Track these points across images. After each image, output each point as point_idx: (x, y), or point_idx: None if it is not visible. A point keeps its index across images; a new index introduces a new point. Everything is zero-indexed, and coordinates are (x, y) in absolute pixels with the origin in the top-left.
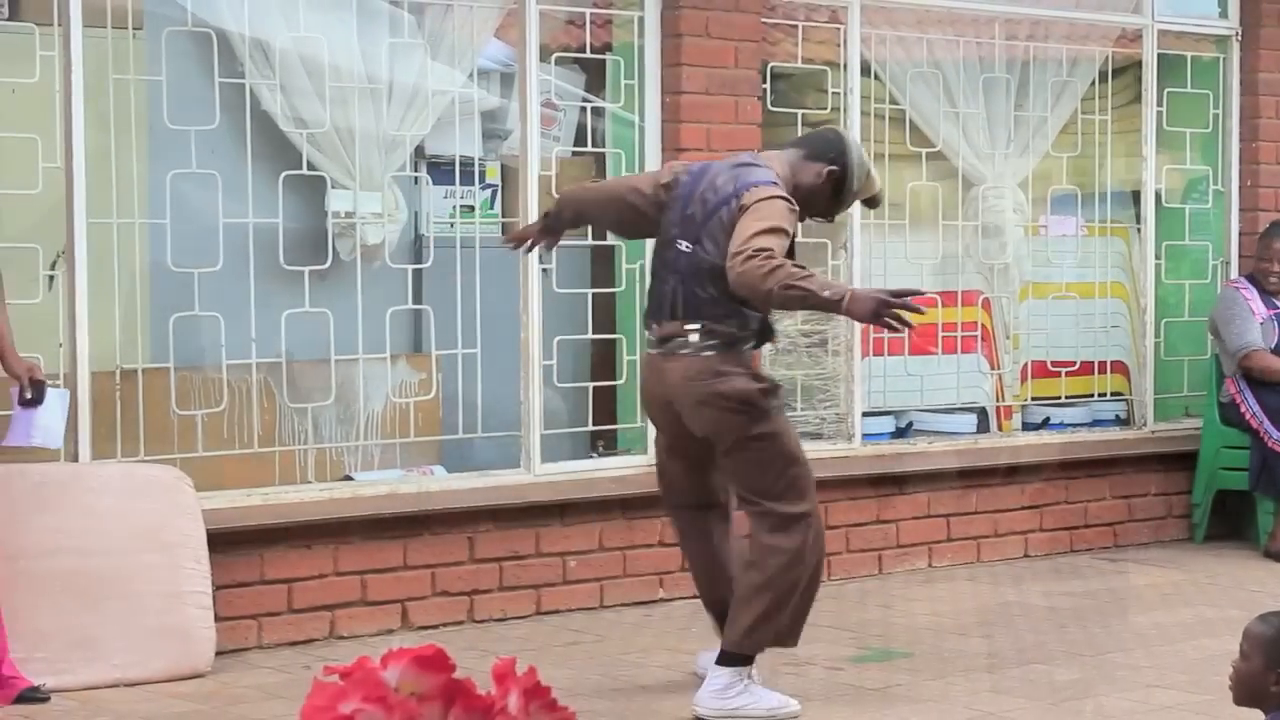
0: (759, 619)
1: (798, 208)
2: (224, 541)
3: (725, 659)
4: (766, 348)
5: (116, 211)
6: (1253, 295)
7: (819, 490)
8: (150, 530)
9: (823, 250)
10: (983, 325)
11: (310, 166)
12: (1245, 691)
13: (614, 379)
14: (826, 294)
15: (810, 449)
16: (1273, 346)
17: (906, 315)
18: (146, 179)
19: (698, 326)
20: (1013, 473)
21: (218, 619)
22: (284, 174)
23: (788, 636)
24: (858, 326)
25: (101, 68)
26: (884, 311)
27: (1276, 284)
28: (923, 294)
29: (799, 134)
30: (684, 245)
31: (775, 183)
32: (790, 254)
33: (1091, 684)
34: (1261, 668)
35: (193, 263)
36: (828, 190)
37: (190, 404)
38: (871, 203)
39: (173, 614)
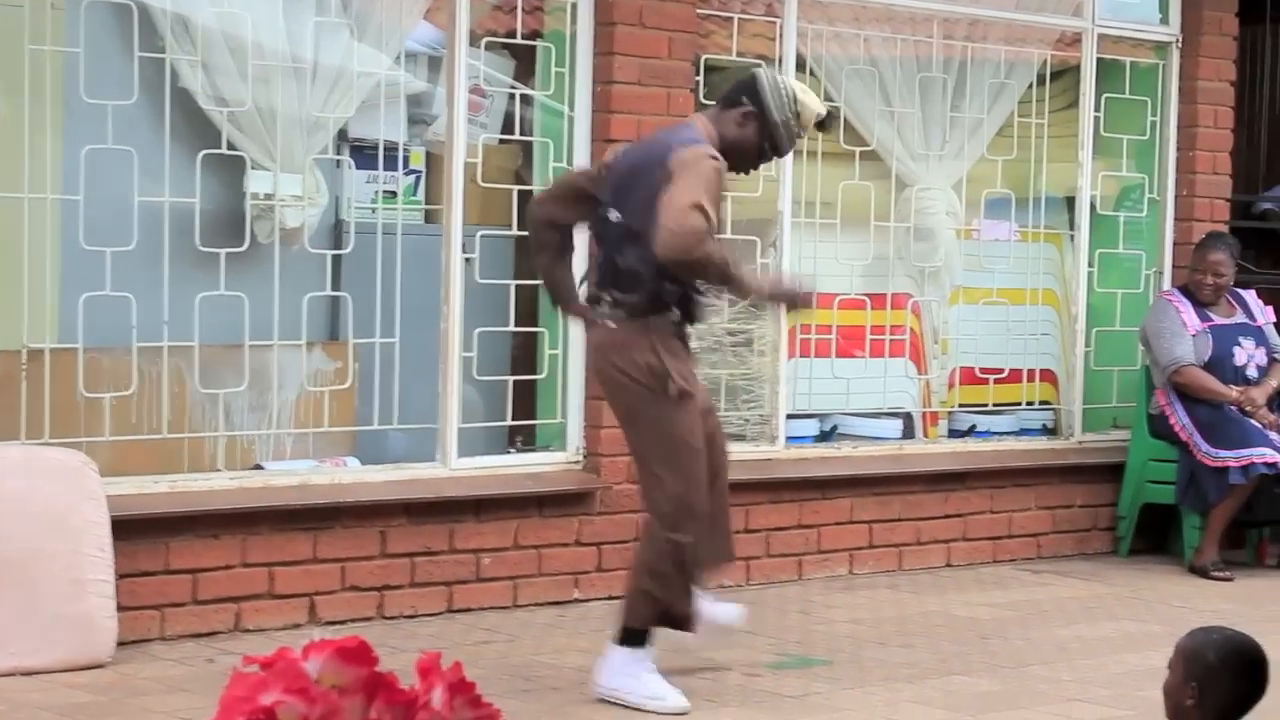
0: (638, 592)
1: (725, 164)
2: (129, 529)
3: (618, 636)
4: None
5: (28, 186)
6: (1185, 308)
7: (740, 492)
8: (53, 515)
9: (752, 248)
10: (911, 329)
11: (230, 146)
12: (1168, 704)
13: (535, 373)
14: (742, 273)
15: (733, 450)
16: (1205, 359)
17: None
18: (60, 154)
19: (608, 296)
20: (937, 480)
21: (120, 608)
22: (202, 153)
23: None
24: (784, 327)
25: (17, 38)
26: (782, 291)
27: (1210, 296)
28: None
29: None
30: (613, 215)
31: (700, 140)
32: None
33: (1013, 696)
34: (1180, 680)
35: (105, 241)
36: (753, 135)
37: (98, 386)
38: (821, 127)
39: (74, 602)
